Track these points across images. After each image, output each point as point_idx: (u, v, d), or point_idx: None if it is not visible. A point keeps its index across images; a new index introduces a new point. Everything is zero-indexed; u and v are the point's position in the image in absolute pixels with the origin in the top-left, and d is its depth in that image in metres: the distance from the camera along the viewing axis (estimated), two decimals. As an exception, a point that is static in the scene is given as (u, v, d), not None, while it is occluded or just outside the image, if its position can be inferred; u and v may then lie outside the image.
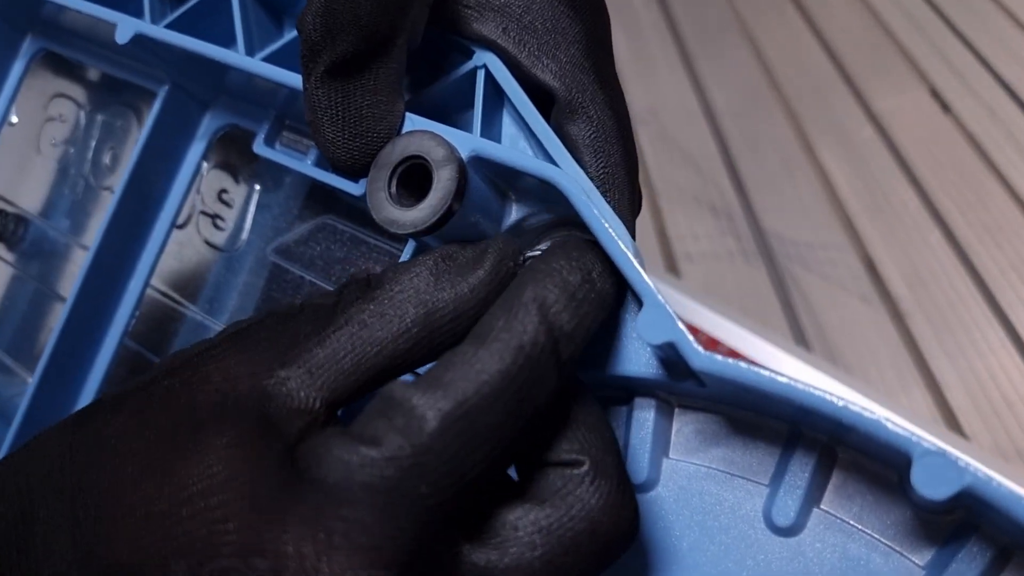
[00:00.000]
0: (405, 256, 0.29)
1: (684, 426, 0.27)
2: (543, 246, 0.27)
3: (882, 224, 0.78)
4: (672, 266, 0.77)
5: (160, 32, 0.33)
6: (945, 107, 0.89)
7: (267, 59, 0.33)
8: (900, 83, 0.94)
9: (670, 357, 0.24)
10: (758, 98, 0.94)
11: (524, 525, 0.21)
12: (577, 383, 0.24)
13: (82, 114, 0.46)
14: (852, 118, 0.90)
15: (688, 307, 0.69)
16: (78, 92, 0.47)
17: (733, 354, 0.64)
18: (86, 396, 0.38)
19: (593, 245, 0.24)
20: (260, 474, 0.20)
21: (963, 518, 0.23)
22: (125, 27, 0.34)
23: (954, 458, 0.19)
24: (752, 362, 0.22)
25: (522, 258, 0.26)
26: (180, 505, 0.20)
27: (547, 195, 0.27)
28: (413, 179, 0.26)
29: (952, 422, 0.64)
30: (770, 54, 1.01)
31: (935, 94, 0.91)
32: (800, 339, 0.70)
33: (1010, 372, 0.66)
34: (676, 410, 0.27)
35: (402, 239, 0.28)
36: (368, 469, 0.19)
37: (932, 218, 0.78)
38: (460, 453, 0.20)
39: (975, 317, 0.70)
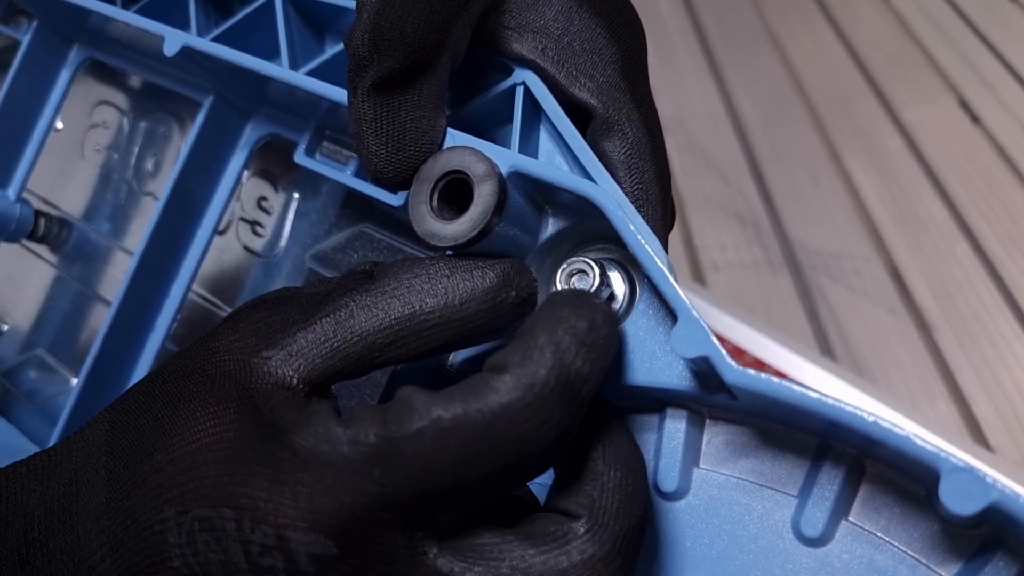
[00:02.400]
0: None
1: (714, 437, 0.27)
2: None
3: (909, 235, 0.78)
4: (698, 275, 0.77)
5: (207, 45, 0.34)
6: (974, 118, 0.89)
7: (310, 73, 0.34)
8: (928, 94, 0.94)
9: (703, 371, 0.24)
10: (785, 107, 0.94)
11: (500, 552, 0.22)
12: (620, 436, 0.25)
13: (125, 120, 0.48)
14: (880, 128, 0.90)
15: (714, 316, 0.69)
16: (121, 99, 0.48)
17: (758, 364, 0.64)
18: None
19: (590, 295, 0.25)
20: (239, 439, 0.22)
21: (989, 533, 0.23)
22: (173, 40, 0.35)
23: (981, 475, 0.20)
24: (779, 374, 0.23)
25: (528, 293, 0.27)
26: (175, 462, 0.23)
27: (583, 210, 0.27)
28: (454, 193, 0.27)
29: (977, 434, 0.64)
30: (798, 63, 1.01)
31: (964, 105, 0.91)
32: (826, 349, 0.70)
33: (1036, 385, 0.66)
34: (707, 421, 0.27)
35: (441, 251, 0.29)
36: (329, 444, 0.22)
37: (960, 230, 0.78)
38: (433, 462, 0.21)
39: (1001, 329, 0.70)
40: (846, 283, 0.74)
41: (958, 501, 0.20)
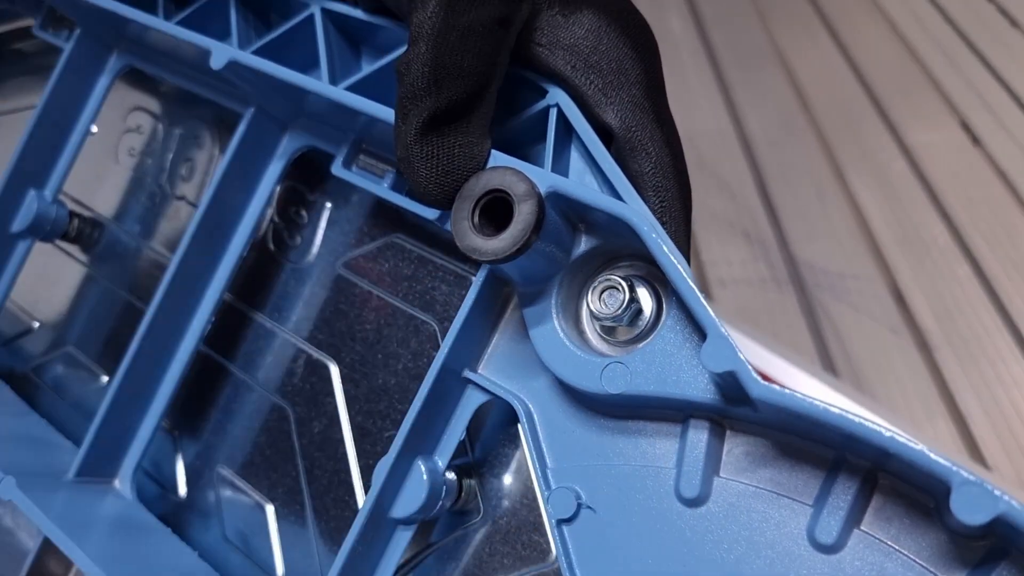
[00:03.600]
0: (477, 282, 0.32)
1: (735, 447, 0.29)
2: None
3: (912, 256, 0.80)
4: (705, 290, 0.79)
5: (253, 60, 0.36)
6: (975, 140, 0.91)
7: (350, 88, 0.35)
8: (932, 117, 0.96)
9: (729, 384, 0.26)
10: (793, 127, 0.96)
11: None
12: None
13: (159, 126, 0.49)
14: (885, 151, 0.92)
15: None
16: (156, 105, 0.50)
17: (764, 379, 0.66)
18: (161, 397, 0.41)
19: None
20: None
21: (994, 544, 0.25)
22: (220, 54, 0.36)
23: (990, 487, 0.22)
24: (788, 388, 0.25)
25: None
26: None
27: (615, 229, 0.29)
28: (493, 210, 0.29)
29: (975, 453, 0.65)
30: (805, 84, 1.03)
31: (966, 127, 0.92)
32: (828, 366, 0.72)
33: (1034, 406, 0.67)
34: (728, 432, 0.29)
35: (478, 264, 0.31)
36: None
37: (961, 252, 0.80)
38: None
39: (1000, 351, 0.72)
40: (849, 302, 0.76)
41: (968, 512, 0.22)
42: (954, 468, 0.22)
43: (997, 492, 0.22)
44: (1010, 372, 0.70)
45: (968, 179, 0.87)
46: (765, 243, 0.82)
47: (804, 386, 0.66)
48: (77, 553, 0.35)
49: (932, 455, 0.22)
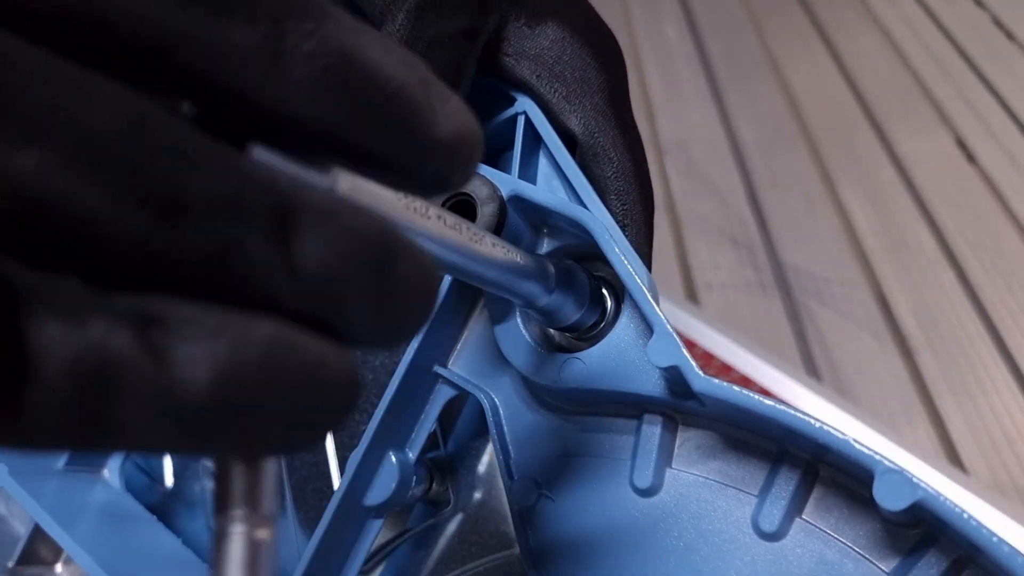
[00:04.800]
0: (445, 281, 0.33)
1: (686, 441, 0.30)
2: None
3: (897, 263, 0.81)
4: (692, 294, 0.80)
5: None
6: (970, 157, 0.92)
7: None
8: (924, 126, 0.97)
9: (675, 379, 0.27)
10: (784, 135, 0.98)
11: None
12: None
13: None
14: (874, 158, 0.93)
15: (705, 335, 0.72)
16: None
17: (745, 381, 0.67)
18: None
19: None
20: None
21: (925, 532, 0.26)
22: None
23: (909, 475, 0.23)
24: (764, 391, 0.26)
25: None
26: None
27: (575, 232, 0.30)
28: (459, 212, 0.30)
29: (953, 456, 0.67)
30: (798, 92, 1.04)
31: (961, 144, 0.93)
32: (811, 370, 0.73)
33: (1012, 411, 0.68)
34: (680, 427, 0.30)
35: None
36: None
37: (947, 259, 0.81)
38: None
39: (982, 356, 0.73)
40: (834, 307, 0.77)
41: (889, 498, 0.23)
42: (877, 457, 0.24)
43: (916, 480, 0.23)
44: (990, 378, 0.71)
45: (958, 189, 0.88)
46: (753, 248, 0.83)
47: (785, 390, 0.67)
48: (66, 539, 0.37)
49: (856, 445, 0.24)
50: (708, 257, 0.83)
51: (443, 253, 0.21)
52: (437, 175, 0.16)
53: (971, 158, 0.92)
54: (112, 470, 0.42)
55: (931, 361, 0.73)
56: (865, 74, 1.06)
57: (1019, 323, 0.75)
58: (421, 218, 0.19)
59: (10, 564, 0.40)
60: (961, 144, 0.94)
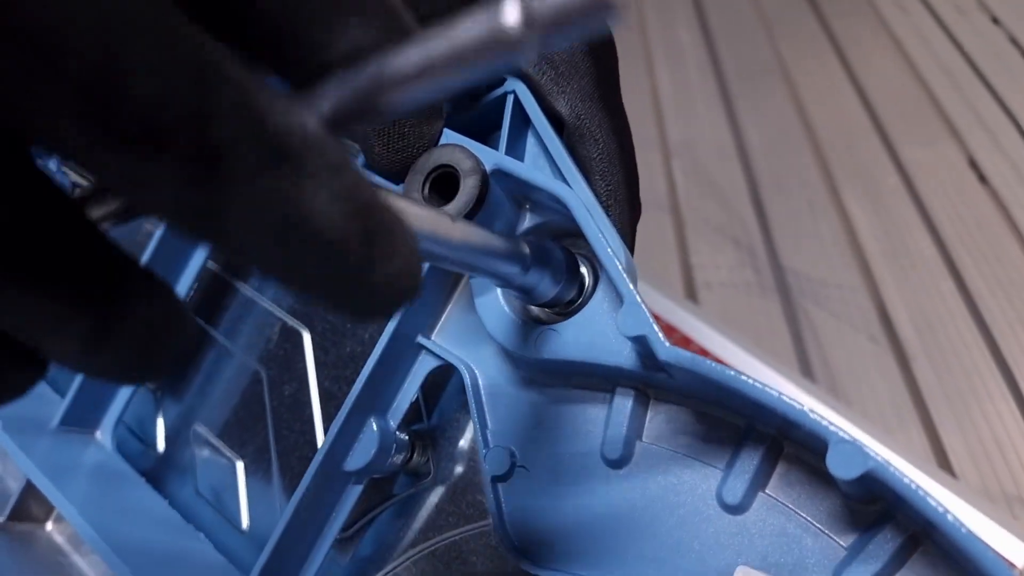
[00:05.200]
0: (432, 251, 0.34)
1: (657, 415, 0.31)
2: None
3: (897, 269, 0.81)
4: (691, 293, 0.81)
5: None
6: (976, 169, 0.92)
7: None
8: (931, 137, 0.97)
9: (644, 350, 0.28)
10: (790, 140, 0.98)
11: None
12: None
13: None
14: (880, 166, 0.94)
15: (702, 332, 0.73)
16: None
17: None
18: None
19: None
20: None
21: (882, 509, 0.27)
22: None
23: (862, 446, 0.24)
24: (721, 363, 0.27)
25: None
26: None
27: (556, 208, 0.31)
28: (444, 184, 0.31)
29: (943, 461, 0.67)
30: (807, 99, 1.04)
31: (968, 156, 0.94)
32: (806, 371, 0.74)
33: (1005, 418, 0.69)
34: (652, 401, 0.31)
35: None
36: None
37: (946, 267, 0.81)
38: None
39: (977, 365, 0.73)
40: (832, 310, 0.78)
41: (842, 467, 0.24)
42: (831, 428, 0.24)
43: (868, 451, 0.24)
44: (985, 385, 0.71)
45: (960, 199, 0.89)
46: (754, 250, 0.84)
47: (779, 388, 0.68)
48: (56, 496, 0.38)
49: (811, 415, 0.24)
50: (709, 257, 0.84)
51: (421, 240, 0.21)
52: (358, 311, 0.16)
53: (977, 170, 0.92)
54: (105, 432, 0.43)
55: (926, 367, 0.73)
56: (875, 83, 1.06)
57: (1017, 333, 0.75)
58: (399, 203, 0.20)
59: (1, 519, 0.41)
60: (968, 156, 0.94)
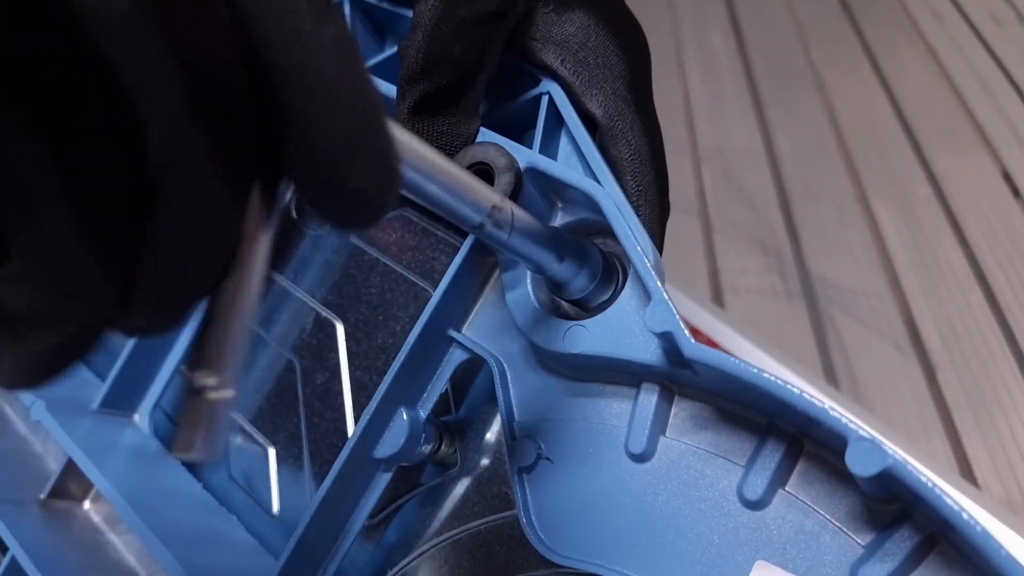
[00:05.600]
0: (464, 248, 0.35)
1: (681, 411, 0.31)
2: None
3: (925, 278, 0.81)
4: (718, 297, 0.81)
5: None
6: (1009, 180, 0.92)
7: (371, 69, 0.39)
8: (963, 147, 0.97)
9: (670, 347, 0.29)
10: (821, 147, 0.98)
11: None
12: None
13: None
14: (911, 175, 0.93)
15: (727, 336, 0.73)
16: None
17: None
18: (180, 345, 0.45)
19: None
20: None
21: (900, 508, 0.27)
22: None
23: (880, 443, 0.24)
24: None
25: None
26: None
27: (588, 206, 0.32)
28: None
29: (967, 471, 0.67)
30: (839, 107, 1.04)
31: (1001, 167, 0.93)
32: (831, 378, 0.74)
33: (1031, 431, 0.68)
34: (676, 397, 0.32)
35: (464, 233, 0.34)
36: None
37: (975, 277, 0.81)
38: None
39: (1003, 375, 0.73)
40: (859, 318, 0.78)
41: (860, 464, 0.24)
42: (851, 426, 0.25)
43: (887, 449, 0.24)
44: (1011, 397, 0.71)
45: (991, 208, 0.88)
46: (781, 256, 0.84)
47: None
48: (95, 474, 0.39)
49: (832, 412, 0.25)
50: (736, 262, 0.84)
51: (464, 207, 0.23)
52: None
53: (1011, 183, 0.92)
54: (143, 415, 0.44)
55: (952, 377, 0.73)
56: (908, 92, 1.06)
57: (1044, 346, 0.75)
58: (457, 172, 0.22)
59: (42, 496, 0.43)
60: (1001, 169, 0.94)
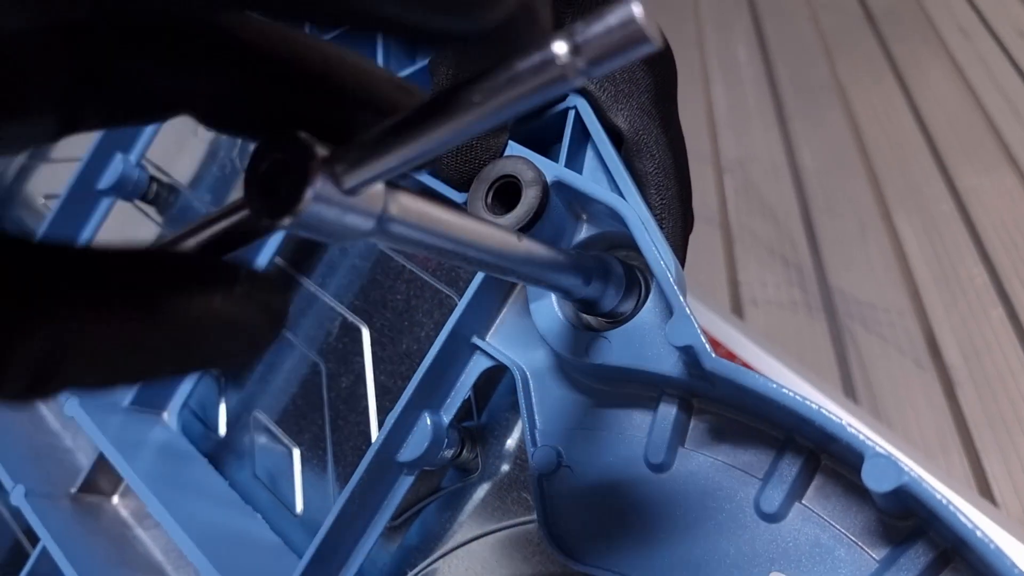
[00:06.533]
0: (491, 256, 0.36)
1: (700, 423, 0.32)
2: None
3: (947, 294, 0.81)
4: (738, 308, 0.82)
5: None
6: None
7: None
8: (988, 164, 0.97)
9: (690, 360, 0.29)
10: (845, 162, 0.98)
11: None
12: None
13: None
14: (934, 191, 0.93)
15: (746, 348, 0.74)
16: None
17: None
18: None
19: None
20: None
21: (915, 525, 0.28)
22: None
23: (896, 460, 0.25)
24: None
25: None
26: None
27: (613, 220, 0.33)
28: (506, 193, 0.33)
29: (984, 488, 0.67)
30: (863, 121, 1.05)
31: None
32: (849, 392, 0.74)
33: (1050, 450, 0.68)
34: (695, 410, 0.32)
35: (476, 269, 0.34)
36: None
37: (997, 294, 0.81)
38: None
39: (1024, 393, 0.73)
40: (879, 333, 0.78)
41: (876, 480, 0.25)
42: (868, 442, 0.25)
43: (903, 466, 0.25)
44: (1031, 415, 0.71)
45: (1015, 225, 0.88)
46: (802, 269, 0.84)
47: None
48: (125, 468, 0.40)
49: (849, 429, 0.25)
50: (757, 274, 0.84)
51: (488, 256, 0.22)
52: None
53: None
54: (171, 414, 0.45)
55: (972, 394, 0.73)
56: (933, 107, 1.06)
57: (1066, 365, 0.75)
58: (470, 225, 0.21)
59: (72, 490, 0.44)
60: (1026, 184, 0.94)
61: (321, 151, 0.16)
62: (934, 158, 0.99)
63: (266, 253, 0.46)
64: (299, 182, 0.16)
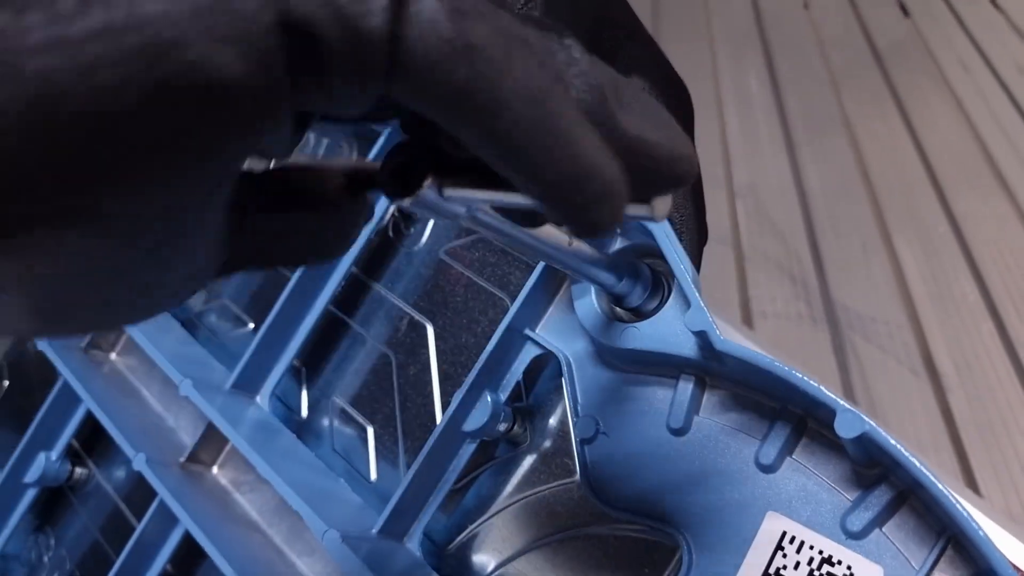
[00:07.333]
0: (537, 271, 0.44)
1: (712, 396, 0.40)
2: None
3: (941, 309, 0.89)
4: (747, 320, 0.89)
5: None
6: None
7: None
8: (984, 191, 1.04)
9: (704, 342, 0.37)
10: (848, 186, 1.06)
11: None
12: None
13: (310, 134, 0.63)
14: (932, 215, 1.01)
15: (757, 355, 0.81)
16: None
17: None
18: (295, 342, 0.54)
19: None
20: None
21: (881, 472, 0.35)
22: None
23: (860, 413, 0.32)
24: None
25: None
26: None
27: (642, 233, 0.41)
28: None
29: (971, 482, 0.74)
30: (867, 150, 1.12)
31: (1019, 210, 1.01)
32: (850, 397, 0.81)
33: (1031, 449, 0.75)
34: (708, 386, 0.40)
35: (535, 259, 0.42)
36: None
37: (988, 311, 0.89)
38: None
39: (1010, 399, 0.80)
40: (878, 343, 0.85)
41: (845, 429, 0.33)
42: (840, 401, 0.33)
43: (865, 418, 0.33)
44: (1015, 419, 0.78)
45: (1007, 248, 0.96)
46: (808, 285, 0.92)
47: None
48: (233, 434, 0.48)
49: (823, 389, 0.33)
50: (766, 289, 0.92)
51: (546, 248, 0.31)
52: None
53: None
54: (263, 397, 0.53)
55: (962, 398, 0.80)
56: (933, 138, 1.13)
57: (1049, 374, 0.82)
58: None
59: (181, 460, 0.52)
60: (1019, 212, 1.01)
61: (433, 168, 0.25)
62: (932, 185, 1.06)
63: (344, 264, 0.54)
64: (415, 183, 0.24)
